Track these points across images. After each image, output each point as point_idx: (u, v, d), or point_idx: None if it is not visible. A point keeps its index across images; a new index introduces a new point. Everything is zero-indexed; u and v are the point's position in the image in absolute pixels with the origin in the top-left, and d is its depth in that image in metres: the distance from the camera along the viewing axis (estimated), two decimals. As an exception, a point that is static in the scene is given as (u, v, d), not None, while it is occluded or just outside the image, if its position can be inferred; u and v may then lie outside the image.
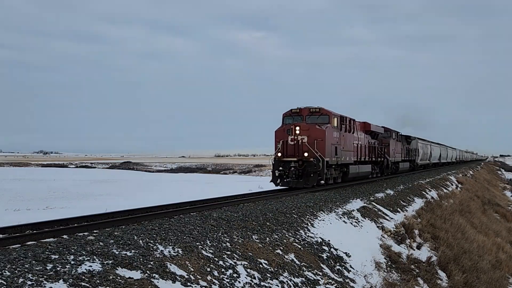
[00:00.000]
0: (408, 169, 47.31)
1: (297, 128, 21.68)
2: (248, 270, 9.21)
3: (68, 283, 6.54)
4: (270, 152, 24.06)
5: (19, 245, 8.19)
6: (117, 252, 8.10)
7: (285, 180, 21.49)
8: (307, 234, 13.01)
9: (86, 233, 9.31)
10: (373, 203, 20.65)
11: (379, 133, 33.55)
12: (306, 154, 21.31)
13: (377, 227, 17.36)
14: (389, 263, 14.38)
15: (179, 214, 12.43)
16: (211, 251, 9.35)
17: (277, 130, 22.70)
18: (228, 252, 9.62)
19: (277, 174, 21.66)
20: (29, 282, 6.32)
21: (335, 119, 23.49)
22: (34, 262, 7.06)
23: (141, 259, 7.97)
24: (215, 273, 8.56)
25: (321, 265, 11.52)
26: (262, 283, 9.04)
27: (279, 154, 21.73)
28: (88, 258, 7.58)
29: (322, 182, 22.39)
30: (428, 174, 47.35)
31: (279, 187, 21.97)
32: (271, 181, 21.95)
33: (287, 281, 9.66)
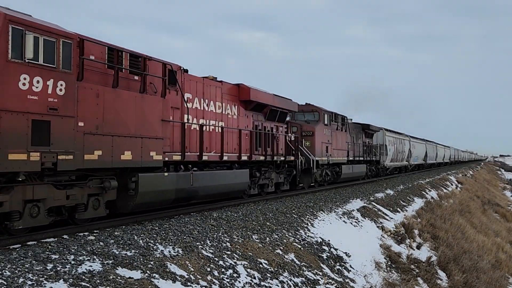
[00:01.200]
0: (365, 175, 30.74)
1: None
2: (248, 270, 9.21)
3: (68, 283, 6.54)
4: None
5: (20, 245, 8.19)
6: (117, 252, 8.10)
7: None
8: (307, 234, 13.01)
9: (86, 233, 9.31)
10: (373, 203, 20.65)
11: (288, 112, 19.88)
12: None
13: (377, 227, 17.37)
14: (389, 263, 14.39)
15: (179, 214, 12.42)
16: (211, 251, 9.35)
17: None
18: (228, 252, 9.62)
19: None
20: (29, 282, 6.32)
21: (63, 41, 8.80)
22: (34, 262, 7.06)
23: (141, 259, 7.97)
24: (215, 273, 8.56)
25: (321, 265, 11.52)
26: (262, 283, 9.04)
27: None
28: (88, 258, 7.58)
29: None
30: (428, 174, 47.39)
31: None
32: None
33: (287, 281, 9.66)
